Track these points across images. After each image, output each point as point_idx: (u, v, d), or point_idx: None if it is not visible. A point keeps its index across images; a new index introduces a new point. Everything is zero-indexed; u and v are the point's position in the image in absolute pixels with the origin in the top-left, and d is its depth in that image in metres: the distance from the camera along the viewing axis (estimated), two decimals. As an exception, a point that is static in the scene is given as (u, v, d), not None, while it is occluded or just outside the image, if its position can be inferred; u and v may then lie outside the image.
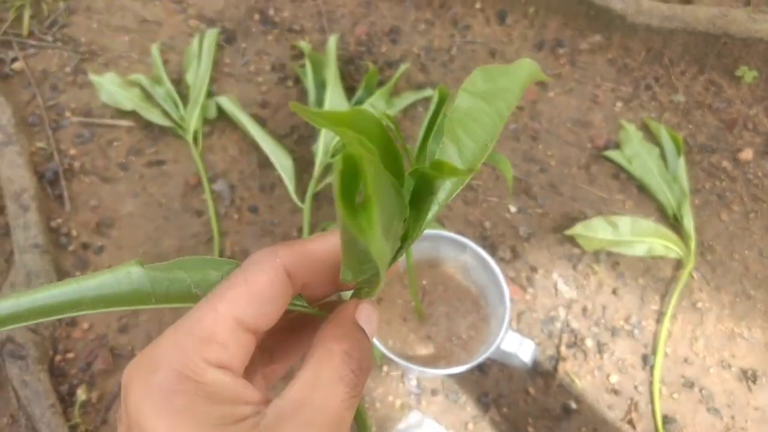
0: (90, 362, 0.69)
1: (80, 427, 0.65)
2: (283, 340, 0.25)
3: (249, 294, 0.20)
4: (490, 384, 0.68)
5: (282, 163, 0.82)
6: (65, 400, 0.67)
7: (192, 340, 0.19)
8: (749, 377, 0.70)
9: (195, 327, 0.19)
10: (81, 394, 0.67)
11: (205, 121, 0.89)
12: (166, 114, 0.88)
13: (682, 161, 0.82)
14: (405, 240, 0.22)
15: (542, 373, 0.70)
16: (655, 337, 0.72)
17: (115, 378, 0.69)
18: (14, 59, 0.95)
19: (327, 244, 0.22)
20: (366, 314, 0.22)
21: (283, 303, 0.21)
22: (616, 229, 0.76)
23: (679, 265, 0.77)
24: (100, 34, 1.00)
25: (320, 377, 0.20)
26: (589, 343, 0.72)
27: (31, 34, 0.98)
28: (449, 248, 0.65)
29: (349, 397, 0.20)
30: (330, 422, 0.19)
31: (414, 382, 0.68)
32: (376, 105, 0.85)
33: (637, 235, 0.76)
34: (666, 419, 0.67)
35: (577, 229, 0.77)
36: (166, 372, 0.18)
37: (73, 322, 0.72)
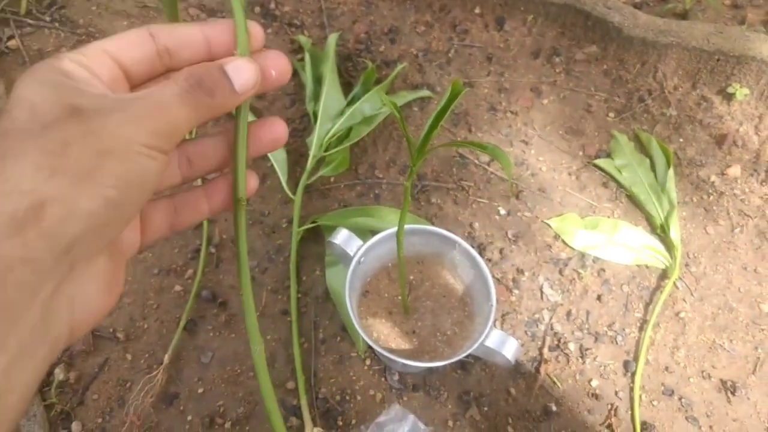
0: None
1: (56, 407, 0.65)
2: (202, 150, 0.30)
3: (114, 38, 0.27)
4: (472, 383, 0.68)
5: (275, 154, 0.82)
6: (42, 380, 0.66)
7: (68, 57, 0.25)
8: (729, 388, 0.70)
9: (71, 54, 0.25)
10: (59, 373, 0.66)
11: (200, 108, 0.88)
12: (161, 99, 0.87)
13: (671, 173, 0.83)
14: None
15: (524, 375, 0.70)
16: (638, 344, 0.73)
17: (94, 359, 0.68)
18: (10, 37, 0.94)
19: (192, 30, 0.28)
20: (236, 64, 0.25)
21: (143, 49, 0.27)
22: (594, 228, 0.80)
23: (664, 274, 0.78)
24: (99, 17, 0.99)
25: (161, 86, 0.24)
26: (572, 347, 0.72)
27: (28, 13, 0.98)
28: (438, 244, 0.65)
29: (183, 93, 0.24)
30: (158, 111, 0.23)
31: (396, 377, 0.67)
32: (372, 102, 0.85)
33: (618, 236, 0.79)
34: (645, 426, 0.67)
35: (554, 221, 0.81)
36: (45, 69, 0.24)
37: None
